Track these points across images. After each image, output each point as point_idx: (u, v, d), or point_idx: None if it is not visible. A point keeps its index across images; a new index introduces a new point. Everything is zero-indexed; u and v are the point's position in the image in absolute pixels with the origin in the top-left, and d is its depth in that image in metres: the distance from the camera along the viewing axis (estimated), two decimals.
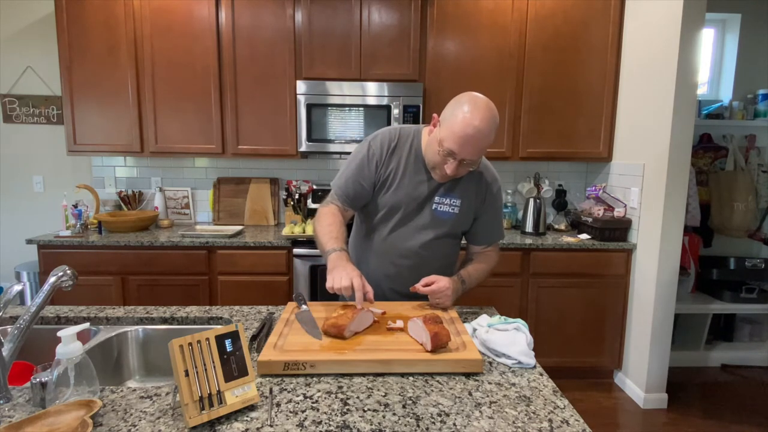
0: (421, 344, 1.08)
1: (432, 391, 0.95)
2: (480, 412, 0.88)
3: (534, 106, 2.82)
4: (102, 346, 1.26)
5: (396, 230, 1.41)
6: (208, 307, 1.44)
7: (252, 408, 0.87)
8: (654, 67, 2.48)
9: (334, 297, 1.64)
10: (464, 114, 1.19)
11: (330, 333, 1.11)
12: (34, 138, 3.07)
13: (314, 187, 2.98)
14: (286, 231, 2.65)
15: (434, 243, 1.41)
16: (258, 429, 0.81)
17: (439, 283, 1.28)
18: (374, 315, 1.21)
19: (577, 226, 2.96)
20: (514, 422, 0.85)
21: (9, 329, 1.20)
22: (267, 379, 0.98)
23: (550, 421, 0.85)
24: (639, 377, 2.59)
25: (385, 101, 2.69)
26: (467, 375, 1.01)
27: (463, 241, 1.53)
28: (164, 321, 1.37)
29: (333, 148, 2.74)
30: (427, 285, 1.29)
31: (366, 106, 2.70)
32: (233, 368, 0.85)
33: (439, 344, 1.03)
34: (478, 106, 1.20)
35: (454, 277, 1.36)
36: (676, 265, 2.45)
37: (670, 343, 2.52)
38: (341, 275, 1.18)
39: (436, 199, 1.38)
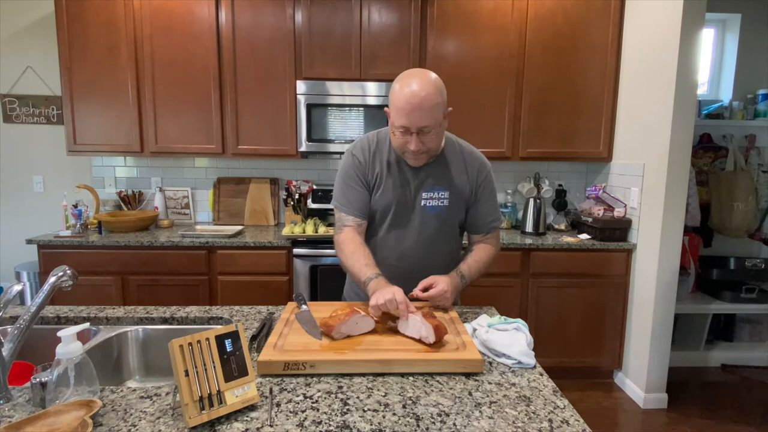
0: (419, 339, 1.08)
1: (432, 391, 0.95)
2: (480, 412, 0.88)
3: (534, 106, 2.82)
4: (102, 346, 1.26)
5: (390, 232, 1.41)
6: (208, 307, 1.44)
7: (252, 408, 0.87)
8: (654, 67, 2.48)
9: (334, 297, 1.65)
10: (401, 88, 1.22)
11: (323, 332, 1.12)
12: (34, 138, 3.07)
13: (314, 187, 2.98)
14: (286, 231, 2.65)
15: (431, 240, 1.40)
16: (258, 429, 0.81)
17: (437, 286, 1.26)
18: (374, 316, 1.20)
19: (577, 226, 2.96)
20: (514, 422, 0.85)
21: (9, 329, 1.20)
22: (267, 379, 0.98)
23: (550, 421, 0.85)
24: (639, 377, 2.59)
25: (384, 101, 2.69)
26: (467, 375, 1.01)
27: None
28: (164, 321, 1.37)
29: (333, 148, 2.74)
30: (425, 289, 1.27)
31: (366, 106, 2.70)
32: (233, 368, 0.85)
33: (440, 336, 1.06)
34: (411, 75, 1.23)
35: (452, 273, 1.34)
36: (676, 265, 2.45)
37: (670, 343, 2.52)
38: (383, 292, 1.16)
39: (424, 194, 1.37)
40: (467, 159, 1.40)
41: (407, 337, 1.12)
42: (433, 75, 1.23)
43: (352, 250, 1.33)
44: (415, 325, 1.10)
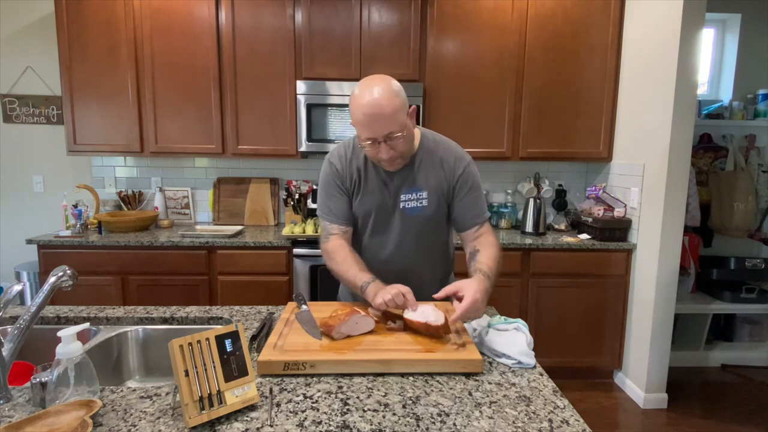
0: (425, 323, 1.08)
1: (432, 391, 0.95)
2: (480, 412, 0.88)
3: (534, 106, 2.82)
4: (102, 346, 1.26)
5: (373, 237, 1.39)
6: (208, 307, 1.44)
7: (252, 408, 0.87)
8: (654, 67, 2.48)
9: (334, 297, 1.65)
10: (357, 100, 1.18)
11: (323, 332, 1.12)
12: (34, 138, 3.07)
13: (314, 187, 2.97)
14: (286, 231, 2.65)
15: (415, 242, 1.38)
16: (258, 429, 0.81)
17: (467, 297, 1.09)
18: (374, 316, 1.20)
19: (577, 226, 2.96)
20: (514, 422, 0.85)
21: (9, 329, 1.20)
22: (267, 379, 0.98)
23: (550, 421, 0.85)
24: (639, 377, 2.59)
25: None
26: (467, 375, 1.01)
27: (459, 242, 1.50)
28: (164, 321, 1.37)
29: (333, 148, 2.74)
30: (450, 295, 1.14)
31: None
32: (233, 368, 0.85)
33: (447, 329, 1.08)
34: (364, 86, 1.19)
35: (477, 276, 1.20)
36: (676, 265, 2.45)
37: (670, 343, 2.52)
38: (389, 288, 1.16)
39: (402, 197, 1.35)
40: (443, 154, 1.35)
41: (413, 322, 1.11)
42: (387, 78, 1.20)
43: (343, 258, 1.31)
44: (425, 311, 1.11)
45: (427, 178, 1.34)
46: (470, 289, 1.11)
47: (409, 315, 1.13)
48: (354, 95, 1.20)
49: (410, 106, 1.24)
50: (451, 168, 1.35)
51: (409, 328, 1.15)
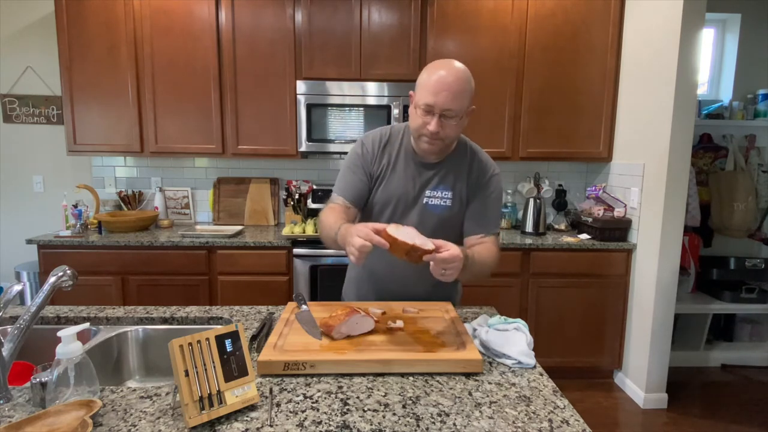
0: (411, 245, 1.00)
1: (432, 391, 0.95)
2: (480, 412, 0.88)
3: (534, 106, 2.82)
4: (102, 346, 1.26)
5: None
6: (208, 307, 1.44)
7: (252, 408, 0.87)
8: (654, 68, 2.48)
9: (334, 297, 1.65)
10: (434, 69, 1.23)
11: (323, 332, 1.12)
12: (34, 138, 3.07)
13: (314, 187, 2.98)
14: (286, 231, 2.65)
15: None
16: (258, 429, 0.81)
17: (453, 250, 1.06)
18: (374, 316, 1.20)
19: (577, 226, 2.96)
20: (514, 422, 0.85)
21: (9, 329, 1.20)
22: (267, 379, 0.98)
23: (550, 421, 0.85)
24: (639, 377, 2.59)
25: (385, 101, 2.69)
26: (467, 375, 1.01)
27: None
28: (164, 321, 1.37)
29: (333, 148, 2.74)
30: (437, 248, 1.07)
31: (366, 106, 2.70)
32: (233, 368, 0.85)
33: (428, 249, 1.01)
34: (445, 61, 1.25)
35: (463, 248, 1.16)
36: (676, 265, 2.45)
37: (670, 343, 2.52)
38: (350, 243, 1.07)
39: (427, 192, 1.36)
40: (474, 160, 1.38)
41: (397, 241, 1.02)
42: (462, 65, 1.25)
43: (326, 216, 1.31)
44: (410, 232, 1.05)
45: (456, 180, 1.37)
46: (455, 247, 1.07)
47: (393, 232, 1.03)
48: (431, 65, 1.26)
49: (471, 107, 1.27)
50: (476, 173, 1.38)
51: (392, 249, 1.04)
